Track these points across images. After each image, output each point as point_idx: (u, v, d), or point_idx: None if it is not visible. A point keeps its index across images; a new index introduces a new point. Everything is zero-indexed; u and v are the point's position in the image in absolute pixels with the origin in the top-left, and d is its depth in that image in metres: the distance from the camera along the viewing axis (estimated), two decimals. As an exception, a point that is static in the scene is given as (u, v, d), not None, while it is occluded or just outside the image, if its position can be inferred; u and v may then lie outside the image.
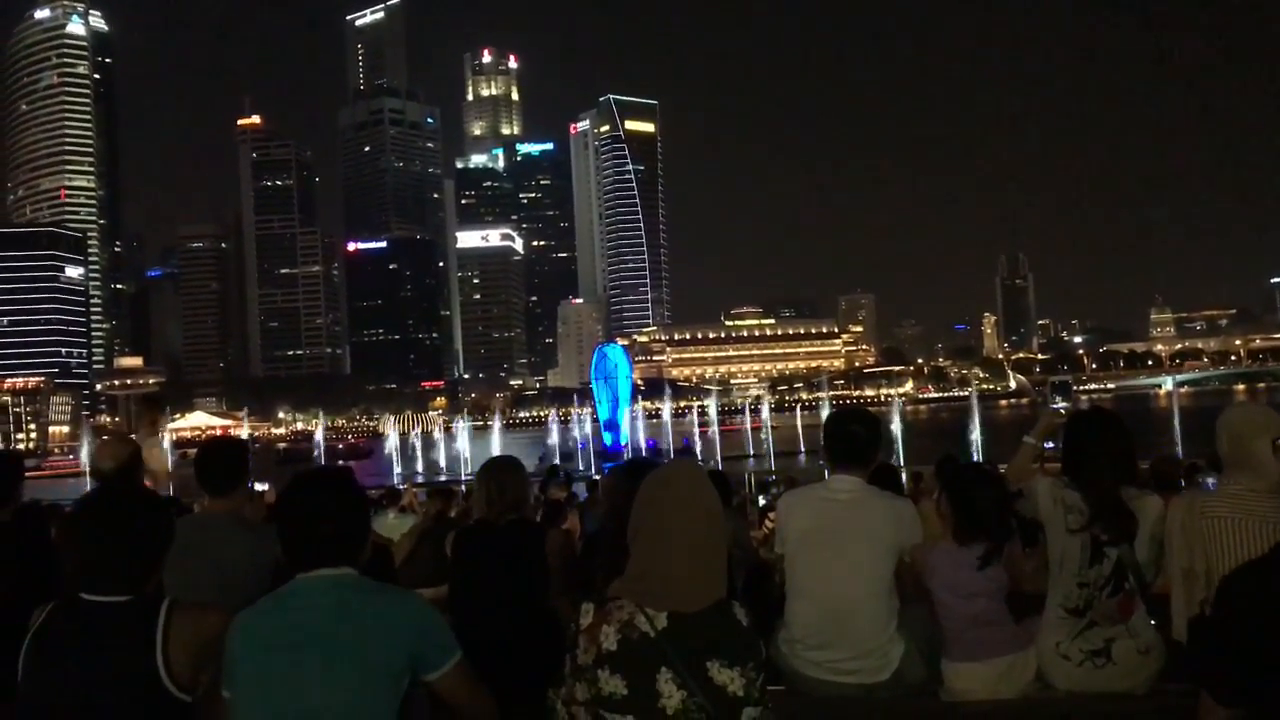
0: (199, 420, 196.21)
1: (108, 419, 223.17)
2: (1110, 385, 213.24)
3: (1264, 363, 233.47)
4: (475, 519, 5.42)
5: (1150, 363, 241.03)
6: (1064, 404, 5.21)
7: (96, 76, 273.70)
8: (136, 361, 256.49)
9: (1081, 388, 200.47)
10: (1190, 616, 3.75)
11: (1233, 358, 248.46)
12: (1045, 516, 4.22)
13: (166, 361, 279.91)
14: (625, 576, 2.71)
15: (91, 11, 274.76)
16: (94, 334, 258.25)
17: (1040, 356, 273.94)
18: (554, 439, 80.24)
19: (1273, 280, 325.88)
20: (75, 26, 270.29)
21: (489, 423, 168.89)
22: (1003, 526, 4.40)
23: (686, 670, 2.55)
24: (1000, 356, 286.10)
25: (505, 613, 4.65)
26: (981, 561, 4.25)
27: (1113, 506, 4.06)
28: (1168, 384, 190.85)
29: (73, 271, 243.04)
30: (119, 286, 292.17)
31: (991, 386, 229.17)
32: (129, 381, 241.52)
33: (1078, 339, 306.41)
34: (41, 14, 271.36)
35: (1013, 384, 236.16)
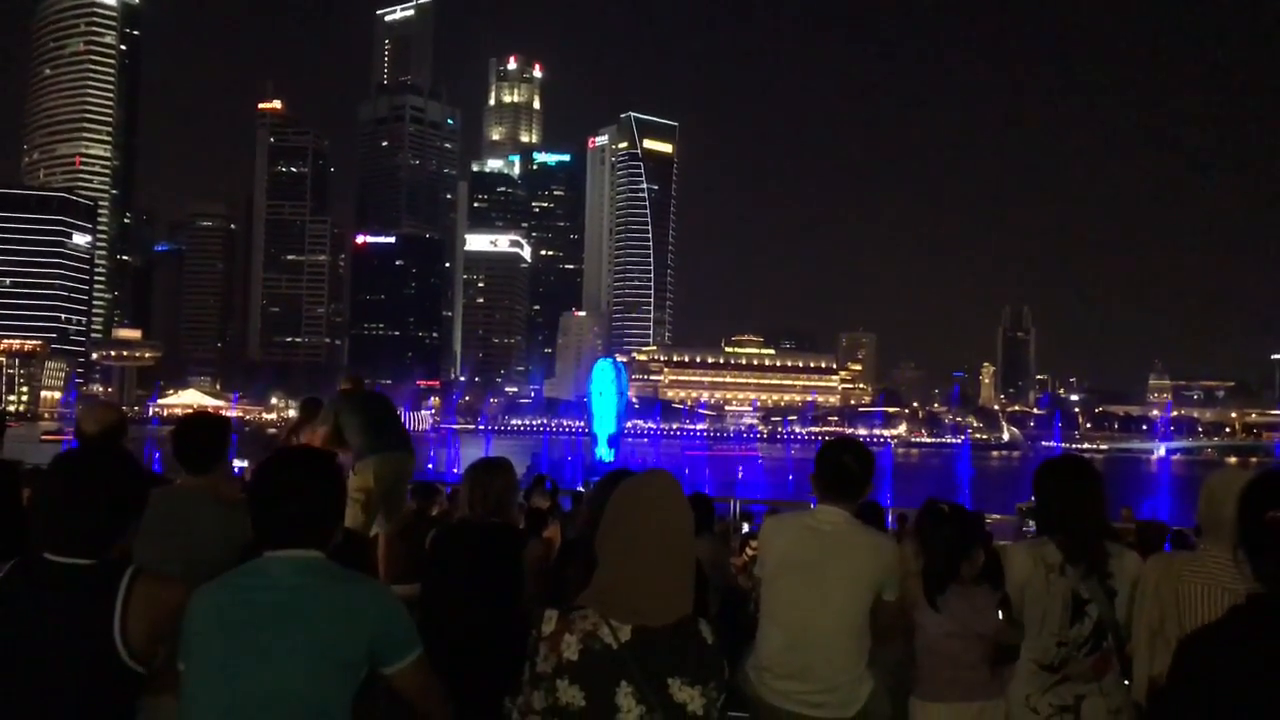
0: (191, 398, 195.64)
1: (100, 388, 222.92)
2: (1103, 446, 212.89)
3: (1258, 437, 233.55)
4: (457, 519, 5.39)
5: (1145, 427, 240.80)
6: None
7: (122, 47, 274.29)
8: (135, 334, 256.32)
9: (1075, 446, 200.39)
10: (1152, 677, 3.70)
11: (1227, 430, 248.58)
12: (1024, 578, 4.11)
13: (165, 337, 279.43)
14: (591, 586, 2.66)
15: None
16: (95, 303, 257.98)
17: (1036, 411, 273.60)
18: (544, 448, 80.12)
19: (1273, 356, 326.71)
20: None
21: (479, 426, 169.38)
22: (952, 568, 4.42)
23: (647, 685, 2.51)
24: (996, 407, 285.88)
25: (474, 614, 4.60)
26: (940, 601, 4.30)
27: (1097, 553, 4.01)
28: (1160, 450, 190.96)
29: (80, 239, 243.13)
30: (125, 258, 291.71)
31: (985, 437, 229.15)
32: (125, 353, 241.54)
33: (1074, 396, 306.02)
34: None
35: (1006, 435, 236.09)
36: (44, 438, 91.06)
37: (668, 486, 2.75)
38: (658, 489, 2.73)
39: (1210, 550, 3.66)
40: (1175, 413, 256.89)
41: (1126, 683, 4.03)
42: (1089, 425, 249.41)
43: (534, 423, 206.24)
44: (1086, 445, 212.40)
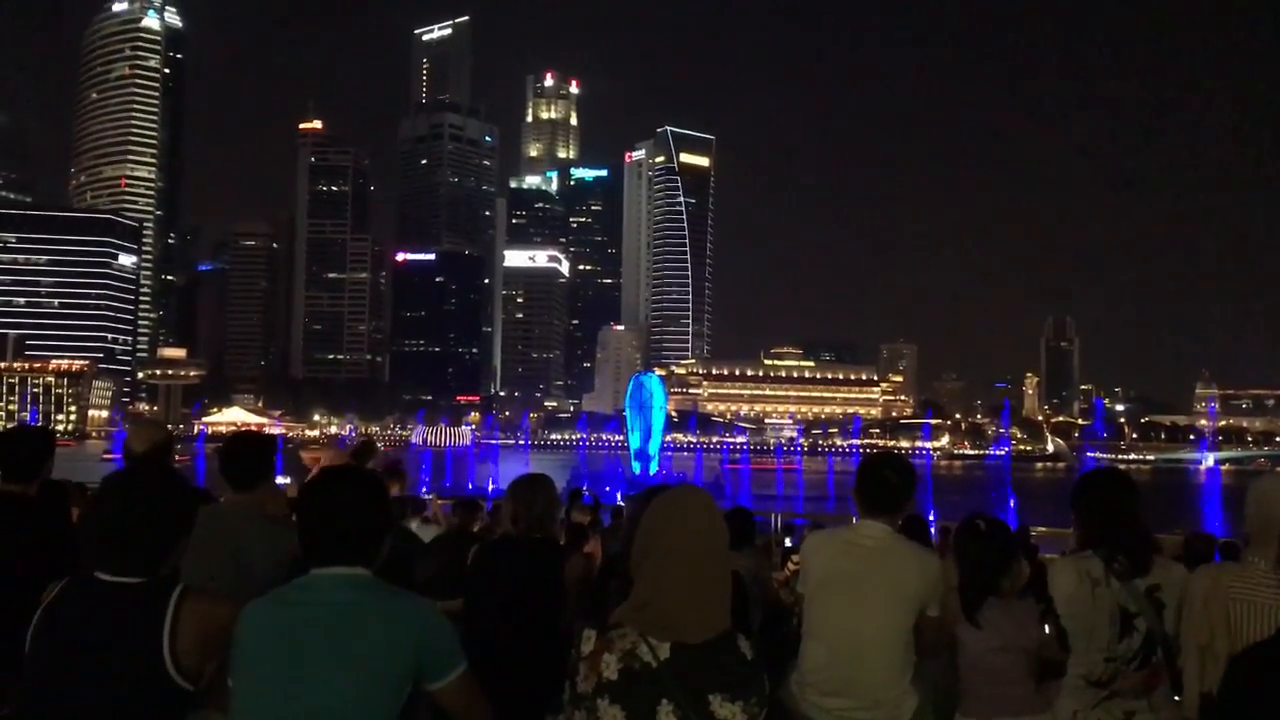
0: (235, 416, 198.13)
1: (146, 407, 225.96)
2: (1150, 457, 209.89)
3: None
4: (500, 534, 5.41)
5: (1192, 437, 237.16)
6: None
7: (166, 71, 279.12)
8: (180, 353, 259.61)
9: (1121, 457, 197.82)
10: (1203, 694, 3.64)
11: (1277, 439, 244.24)
12: (1069, 592, 4.05)
13: (209, 355, 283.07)
14: (628, 603, 2.66)
15: (168, 7, 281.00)
16: (140, 323, 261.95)
17: (1080, 421, 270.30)
18: (583, 463, 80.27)
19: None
20: (150, 21, 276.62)
21: (519, 441, 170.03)
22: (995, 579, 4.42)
23: (688, 703, 2.49)
24: (1040, 418, 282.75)
25: (517, 630, 4.61)
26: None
27: (1142, 566, 3.98)
28: (1209, 460, 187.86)
29: (126, 260, 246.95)
30: (169, 278, 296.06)
31: (1029, 448, 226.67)
32: (170, 372, 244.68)
33: (1120, 407, 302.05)
34: (119, 6, 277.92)
35: (1050, 447, 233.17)
36: (105, 456, 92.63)
37: (701, 502, 2.75)
38: (691, 505, 2.72)
39: (1258, 563, 3.58)
40: (1223, 422, 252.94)
41: (1176, 698, 3.94)
42: (1135, 436, 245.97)
43: (574, 438, 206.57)
44: (1133, 456, 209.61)
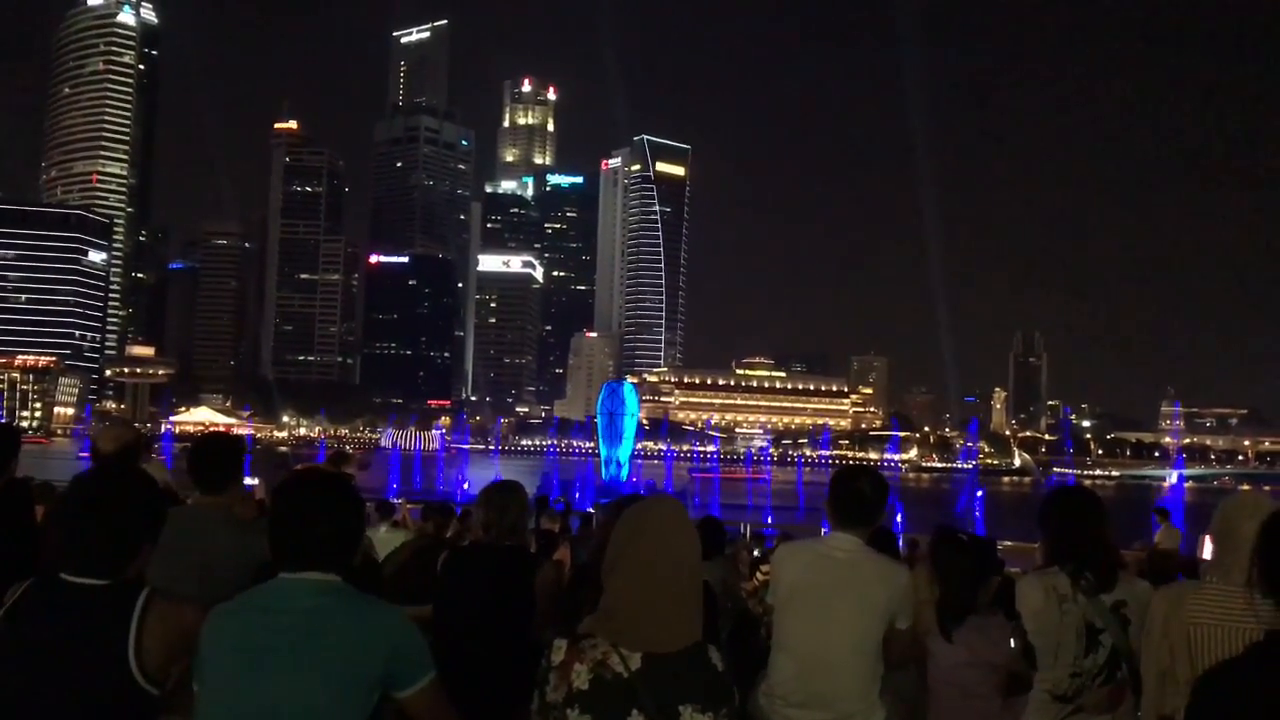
0: (204, 416, 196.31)
1: (113, 405, 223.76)
2: (1115, 473, 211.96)
3: (1271, 465, 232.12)
4: (470, 541, 5.39)
5: (1157, 454, 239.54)
6: None
7: (141, 67, 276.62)
8: (148, 351, 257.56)
9: (1086, 473, 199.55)
10: (1161, 717, 3.60)
11: (1240, 457, 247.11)
12: (1036, 608, 4.04)
13: (178, 354, 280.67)
14: (598, 613, 2.64)
15: (143, 3, 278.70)
16: (109, 320, 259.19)
17: (1047, 437, 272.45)
18: (554, 469, 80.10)
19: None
20: (126, 17, 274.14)
21: (490, 446, 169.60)
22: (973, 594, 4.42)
23: (659, 713, 2.49)
24: (1007, 433, 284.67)
25: (486, 638, 4.58)
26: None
27: (1108, 582, 3.99)
28: (1173, 476, 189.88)
29: (95, 256, 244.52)
30: (139, 275, 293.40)
31: (995, 462, 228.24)
32: (139, 370, 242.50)
33: (1086, 423, 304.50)
34: (94, 1, 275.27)
35: (1017, 461, 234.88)
36: (82, 455, 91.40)
37: (672, 512, 2.73)
38: (663, 516, 2.71)
39: (1219, 584, 3.54)
40: (1188, 440, 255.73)
41: (1139, 714, 3.94)
42: (1100, 452, 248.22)
43: (545, 444, 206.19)
44: (1098, 472, 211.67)
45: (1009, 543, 17.48)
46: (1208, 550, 4.06)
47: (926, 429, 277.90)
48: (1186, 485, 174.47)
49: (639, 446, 76.44)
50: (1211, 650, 3.43)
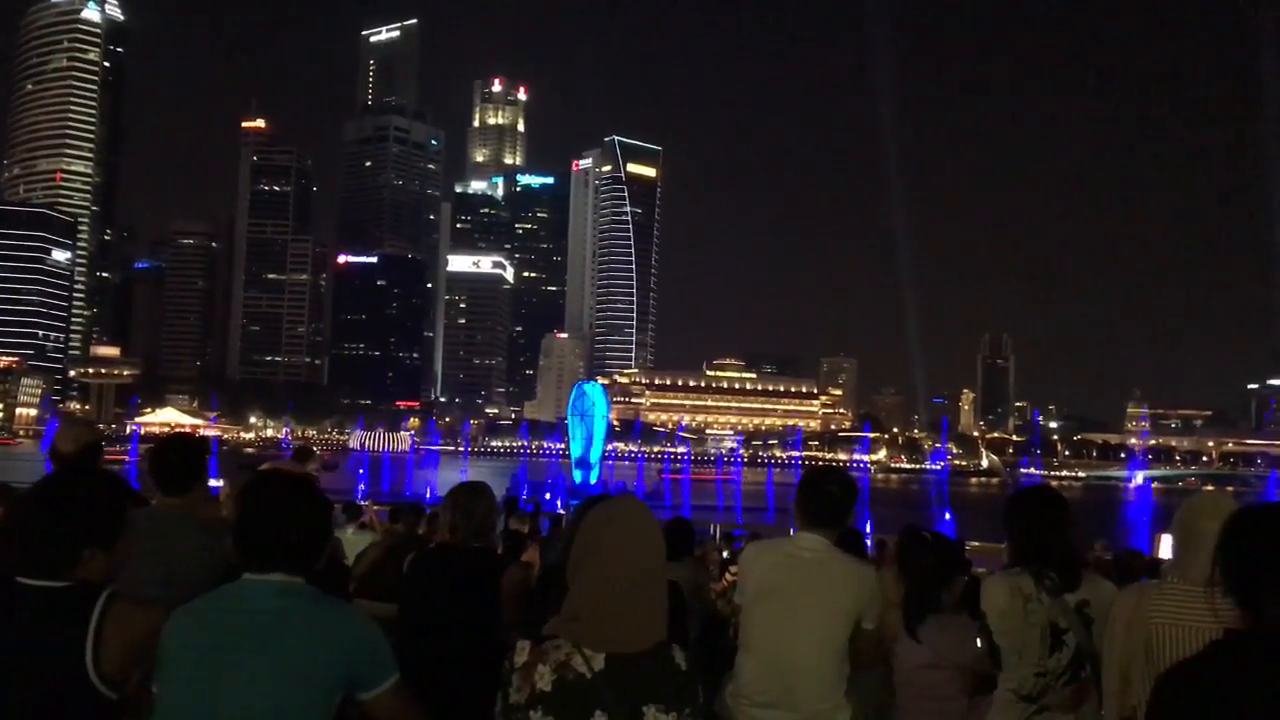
0: (169, 417, 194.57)
1: (77, 406, 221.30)
2: (1082, 474, 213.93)
3: (1235, 466, 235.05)
4: (437, 542, 5.34)
5: (1123, 455, 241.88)
6: None
7: (106, 64, 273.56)
8: (114, 351, 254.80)
9: (1054, 474, 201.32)
10: (1123, 718, 3.62)
11: (1204, 458, 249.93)
12: (1002, 610, 4.04)
13: (144, 354, 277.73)
14: (562, 614, 2.63)
15: (108, 0, 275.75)
16: (74, 320, 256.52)
17: (1015, 438, 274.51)
18: (523, 470, 79.96)
19: (1250, 386, 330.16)
20: (90, 13, 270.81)
21: (459, 447, 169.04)
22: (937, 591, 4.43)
23: (623, 714, 2.48)
24: (975, 434, 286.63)
25: (452, 639, 4.55)
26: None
27: (1072, 582, 4.01)
28: (1139, 477, 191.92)
29: (59, 255, 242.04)
30: (104, 275, 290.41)
31: (964, 463, 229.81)
32: (103, 370, 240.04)
33: (1053, 424, 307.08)
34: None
35: (985, 462, 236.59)
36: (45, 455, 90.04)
37: (637, 513, 2.72)
38: (627, 516, 2.69)
39: (1180, 583, 3.55)
40: (1153, 441, 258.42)
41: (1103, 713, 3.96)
42: (1067, 453, 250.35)
43: (514, 445, 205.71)
44: (1065, 472, 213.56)
45: (977, 543, 17.58)
46: (1167, 550, 4.36)
47: (895, 430, 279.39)
48: (1153, 486, 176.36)
49: (610, 448, 76.43)
50: (1172, 649, 3.47)
